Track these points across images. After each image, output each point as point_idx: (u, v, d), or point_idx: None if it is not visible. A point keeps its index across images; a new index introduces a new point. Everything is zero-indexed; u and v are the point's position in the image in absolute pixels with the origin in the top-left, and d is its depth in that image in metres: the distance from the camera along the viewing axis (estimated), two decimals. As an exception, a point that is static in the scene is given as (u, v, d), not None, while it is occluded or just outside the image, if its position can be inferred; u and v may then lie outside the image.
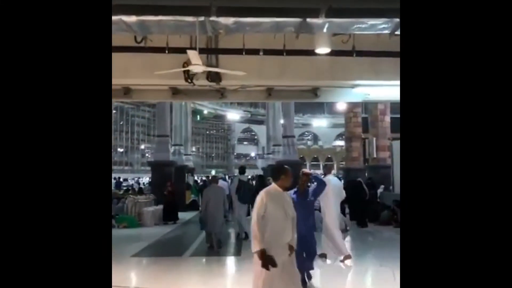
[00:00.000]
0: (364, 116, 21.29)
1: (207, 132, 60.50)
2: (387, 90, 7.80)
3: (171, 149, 16.37)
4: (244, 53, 7.03)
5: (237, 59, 7.12)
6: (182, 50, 7.34)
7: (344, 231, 11.28)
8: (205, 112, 55.74)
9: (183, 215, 15.44)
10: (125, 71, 7.36)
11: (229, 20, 5.41)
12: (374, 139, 18.62)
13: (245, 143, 68.40)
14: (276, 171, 4.25)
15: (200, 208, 10.21)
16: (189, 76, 7.45)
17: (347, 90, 7.90)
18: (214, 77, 7.38)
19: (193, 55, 4.82)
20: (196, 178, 22.69)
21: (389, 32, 5.69)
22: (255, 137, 67.46)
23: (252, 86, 7.87)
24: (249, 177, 11.97)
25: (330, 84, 7.84)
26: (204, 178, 22.34)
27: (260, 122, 67.26)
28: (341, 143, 61.11)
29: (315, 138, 67.58)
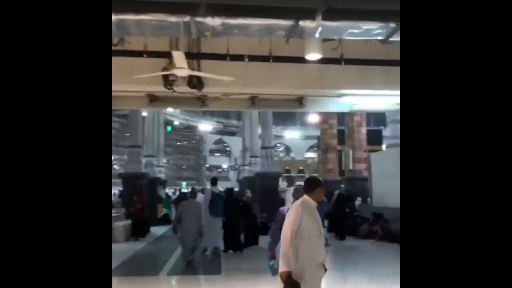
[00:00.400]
0: (339, 128, 21.29)
1: (178, 143, 59.40)
2: (374, 100, 7.57)
3: (143, 161, 15.70)
4: (228, 58, 6.64)
5: (220, 65, 6.72)
6: (161, 54, 6.91)
7: (325, 245, 10.95)
8: (176, 123, 54.82)
9: (155, 230, 14.80)
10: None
11: (216, 22, 5.02)
12: (351, 151, 18.52)
13: (217, 154, 67.66)
14: (311, 183, 3.71)
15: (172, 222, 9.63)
16: (168, 82, 7.00)
17: (334, 99, 7.62)
18: (196, 83, 6.95)
19: (178, 57, 4.39)
20: (167, 191, 21.95)
21: (383, 38, 5.43)
22: (228, 149, 66.81)
23: (235, 94, 7.48)
24: (221, 189, 11.85)
25: (317, 93, 7.54)
26: (183, 190, 21.63)
27: (233, 134, 66.70)
28: (312, 155, 61.41)
29: (287, 149, 67.70)
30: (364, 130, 18.99)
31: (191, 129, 60.54)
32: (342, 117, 19.92)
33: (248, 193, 12.36)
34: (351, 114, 18.70)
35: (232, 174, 60.73)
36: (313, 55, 5.68)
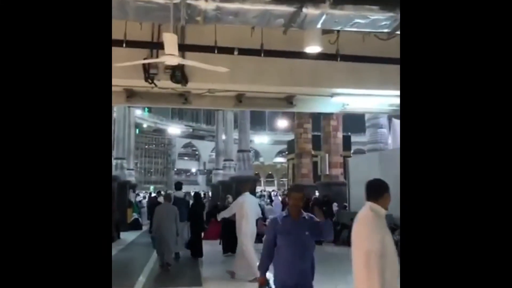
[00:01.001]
0: (314, 134, 21.02)
1: (146, 146, 58.19)
2: (367, 100, 7.20)
3: (113, 163, 14.80)
4: (216, 51, 6.11)
5: (206, 58, 6.16)
6: (143, 45, 6.31)
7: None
8: (145, 125, 53.77)
9: (126, 236, 13.99)
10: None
11: (210, 5, 4.49)
12: (327, 155, 18.22)
13: (185, 158, 67.25)
14: (377, 187, 2.94)
15: (151, 229, 9.50)
16: (149, 75, 6.40)
17: (325, 99, 7.19)
18: (180, 78, 6.38)
19: (170, 40, 3.81)
20: (137, 194, 21.06)
21: (389, 30, 5.03)
22: (197, 153, 66.38)
23: (221, 91, 6.93)
24: (185, 193, 11.74)
25: (308, 92, 7.09)
26: (154, 195, 20.72)
27: (202, 137, 66.28)
28: (281, 159, 61.48)
29: (257, 154, 67.61)
30: (340, 134, 18.76)
31: (159, 132, 59.73)
32: (317, 122, 19.68)
33: (230, 198, 11.78)
34: (328, 118, 18.49)
35: (201, 178, 60.15)
36: (313, 48, 5.23)
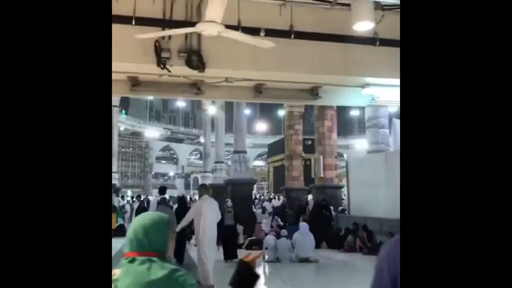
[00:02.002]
0: (306, 138, 20.39)
1: (123, 149, 56.64)
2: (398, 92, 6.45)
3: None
4: (240, 31, 5.27)
5: (226, 41, 5.35)
6: (153, 22, 5.42)
7: (312, 260, 9.81)
8: (122, 128, 52.39)
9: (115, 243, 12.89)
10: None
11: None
12: (321, 157, 17.53)
13: (163, 162, 66.38)
14: None
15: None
16: (161, 59, 5.50)
17: (355, 90, 6.42)
18: (197, 63, 5.51)
19: (217, 2, 2.93)
20: (122, 197, 19.89)
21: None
22: (174, 156, 65.55)
23: (239, 80, 6.06)
24: (168, 197, 11.38)
25: (337, 82, 6.31)
26: (142, 198, 19.55)
27: (180, 141, 65.40)
28: (261, 163, 60.95)
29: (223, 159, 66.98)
30: (335, 136, 18.12)
31: (137, 135, 58.61)
32: (311, 122, 19.04)
33: (229, 202, 10.94)
34: (322, 119, 17.85)
35: (179, 182, 59.04)
36: (364, 24, 4.44)
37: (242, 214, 12.24)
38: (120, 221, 16.45)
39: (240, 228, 11.79)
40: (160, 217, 1.70)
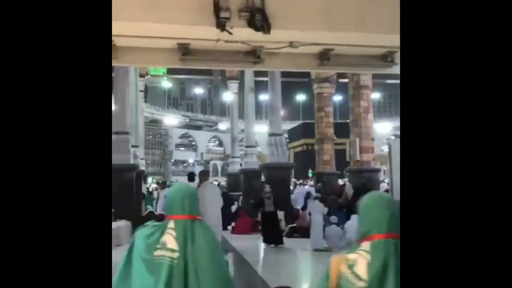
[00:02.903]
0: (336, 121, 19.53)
1: (143, 137, 56.65)
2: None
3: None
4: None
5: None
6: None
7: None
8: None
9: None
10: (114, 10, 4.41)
11: None
12: (357, 139, 16.62)
13: (182, 149, 66.54)
14: None
15: None
16: (220, 21, 4.70)
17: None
18: (261, 22, 4.69)
19: None
20: (148, 185, 19.37)
21: None
22: (193, 143, 65.58)
23: (306, 43, 5.22)
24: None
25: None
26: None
27: (199, 128, 65.20)
28: (280, 149, 60.32)
29: (255, 143, 66.79)
30: (371, 117, 17.20)
31: (156, 122, 58.69)
32: (347, 103, 18.19)
33: (267, 188, 10.20)
34: (357, 99, 16.93)
35: (199, 169, 58.84)
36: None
37: (280, 200, 11.51)
38: (150, 208, 15.97)
39: (281, 214, 11.08)
40: None
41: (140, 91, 17.73)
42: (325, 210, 9.65)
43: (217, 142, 69.15)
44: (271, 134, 12.91)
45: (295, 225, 11.87)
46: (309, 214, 9.30)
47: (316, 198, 9.75)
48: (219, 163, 64.82)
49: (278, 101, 13.12)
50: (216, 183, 19.82)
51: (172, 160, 61.55)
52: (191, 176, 11.34)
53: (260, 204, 10.15)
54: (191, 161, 65.72)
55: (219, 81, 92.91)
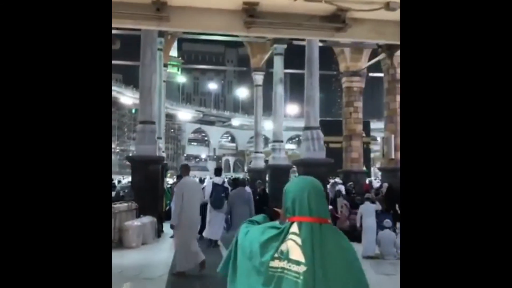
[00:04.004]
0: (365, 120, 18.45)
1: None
2: None
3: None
4: None
5: None
6: None
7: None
8: (157, 109, 51.67)
9: (167, 229, 11.31)
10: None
11: None
12: (392, 136, 15.59)
13: (194, 144, 66.28)
14: None
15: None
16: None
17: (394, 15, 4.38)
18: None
19: None
20: (168, 179, 18.49)
21: None
22: (206, 138, 65.21)
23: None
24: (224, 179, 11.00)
25: None
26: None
27: (212, 123, 64.59)
28: (292, 146, 59.49)
29: (266, 140, 66.38)
30: (407, 112, 16.11)
31: (170, 117, 58.42)
32: (379, 97, 17.13)
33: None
34: (393, 93, 15.92)
35: (210, 164, 58.25)
36: None
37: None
38: (170, 203, 15.05)
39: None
40: None
41: (164, 81, 16.80)
42: (379, 207, 8.72)
43: (229, 137, 68.51)
44: (306, 128, 11.88)
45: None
46: (360, 217, 8.28)
47: (367, 199, 8.71)
48: (231, 159, 64.26)
49: (316, 92, 12.07)
50: (241, 176, 19.09)
51: (185, 155, 61.27)
52: (218, 171, 10.86)
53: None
54: (203, 156, 65.45)
55: (232, 77, 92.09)
